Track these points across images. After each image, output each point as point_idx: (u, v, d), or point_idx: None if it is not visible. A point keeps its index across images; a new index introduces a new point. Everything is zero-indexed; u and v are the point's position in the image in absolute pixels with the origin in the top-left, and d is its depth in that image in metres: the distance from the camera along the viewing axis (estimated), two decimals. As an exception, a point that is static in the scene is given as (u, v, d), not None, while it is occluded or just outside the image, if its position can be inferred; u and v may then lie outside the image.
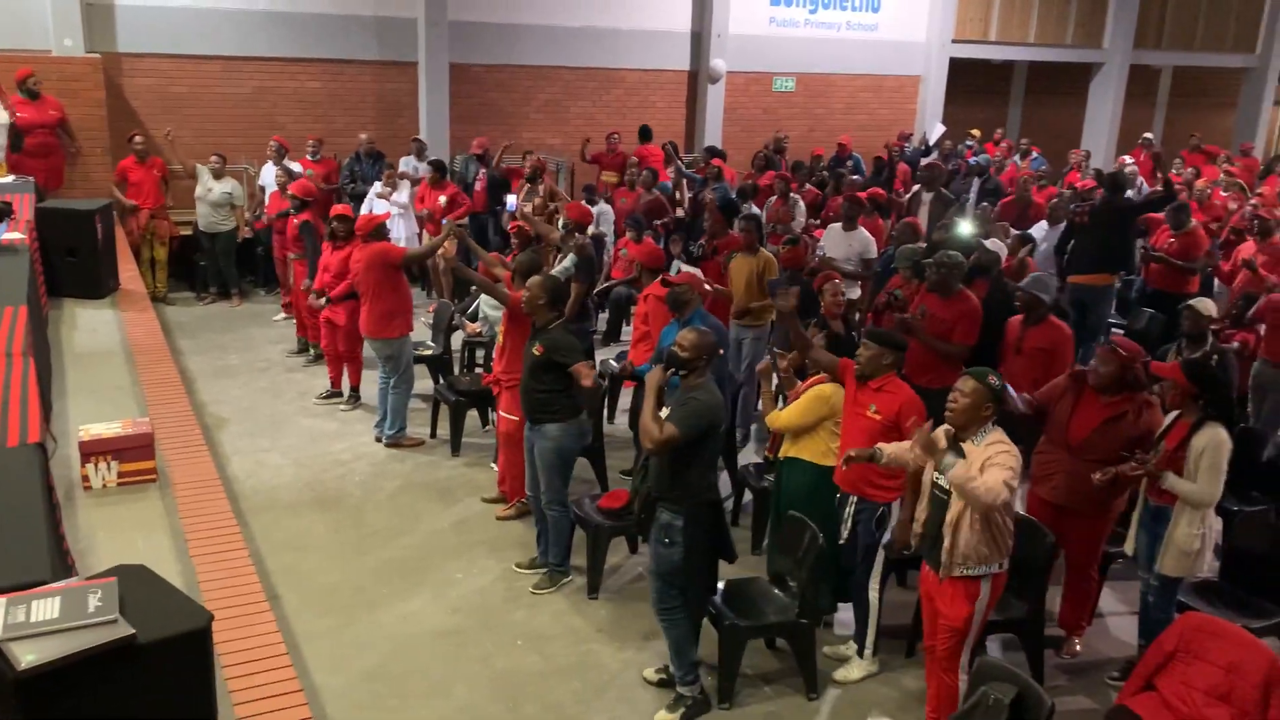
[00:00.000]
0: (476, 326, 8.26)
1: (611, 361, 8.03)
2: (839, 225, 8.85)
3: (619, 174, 12.01)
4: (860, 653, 5.05)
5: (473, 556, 6.04)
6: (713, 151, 12.56)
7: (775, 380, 5.57)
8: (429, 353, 8.22)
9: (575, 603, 5.59)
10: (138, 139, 10.42)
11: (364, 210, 10.45)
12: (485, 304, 7.94)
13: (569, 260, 7.81)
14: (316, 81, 12.42)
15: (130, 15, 11.25)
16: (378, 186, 10.80)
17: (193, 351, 9.33)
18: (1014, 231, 9.26)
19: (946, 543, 4.11)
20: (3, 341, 5.34)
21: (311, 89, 12.41)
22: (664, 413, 4.43)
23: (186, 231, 10.85)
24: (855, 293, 8.46)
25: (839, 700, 4.88)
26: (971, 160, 13.55)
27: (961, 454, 4.09)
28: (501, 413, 6.32)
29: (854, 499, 4.89)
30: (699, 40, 14.56)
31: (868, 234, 8.76)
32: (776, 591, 5.02)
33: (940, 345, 6.27)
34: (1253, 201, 10.21)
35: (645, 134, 13.15)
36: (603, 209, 10.77)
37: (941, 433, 4.17)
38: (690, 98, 14.86)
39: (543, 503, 5.67)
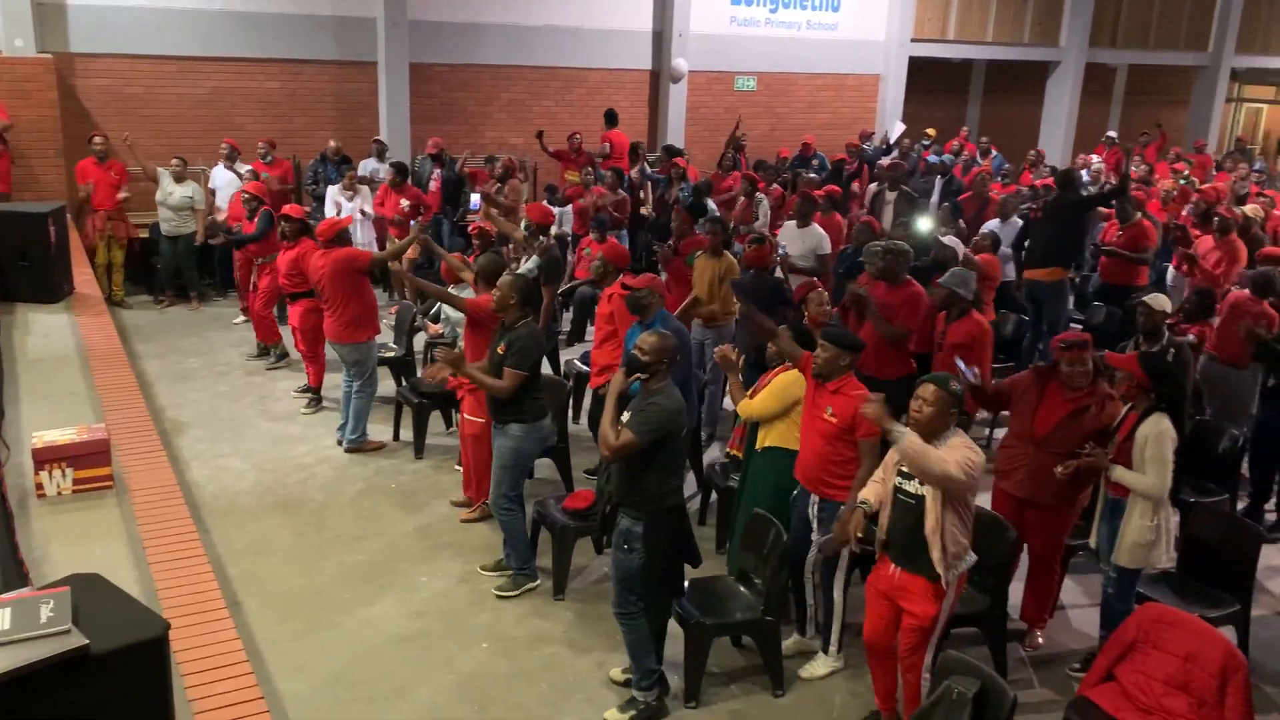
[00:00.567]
0: (439, 328, 8.20)
1: (577, 361, 8.02)
2: (794, 223, 8.90)
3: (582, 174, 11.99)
4: (825, 649, 5.07)
5: (437, 560, 6.00)
6: (671, 151, 12.56)
7: (739, 359, 5.47)
8: (391, 354, 8.18)
9: (541, 604, 5.57)
10: (97, 140, 10.26)
11: (327, 212, 10.38)
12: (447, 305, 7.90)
13: (532, 261, 7.79)
14: (275, 82, 12.28)
15: (83, 15, 11.07)
16: (334, 191, 10.71)
17: (151, 355, 9.20)
18: (984, 230, 9.32)
19: (935, 553, 4.10)
20: (-47, 348, 5.22)
21: (270, 89, 12.28)
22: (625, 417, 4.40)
23: (144, 234, 10.70)
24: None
25: (805, 697, 4.90)
26: (933, 159, 13.66)
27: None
28: (466, 415, 6.29)
29: (815, 499, 4.91)
30: (660, 40, 14.58)
31: (821, 230, 8.80)
32: (742, 589, 5.03)
33: (884, 326, 6.49)
34: (1193, 199, 10.35)
35: (611, 118, 13.09)
36: (564, 210, 10.75)
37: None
38: (653, 97, 14.87)
39: (490, 500, 5.63)
